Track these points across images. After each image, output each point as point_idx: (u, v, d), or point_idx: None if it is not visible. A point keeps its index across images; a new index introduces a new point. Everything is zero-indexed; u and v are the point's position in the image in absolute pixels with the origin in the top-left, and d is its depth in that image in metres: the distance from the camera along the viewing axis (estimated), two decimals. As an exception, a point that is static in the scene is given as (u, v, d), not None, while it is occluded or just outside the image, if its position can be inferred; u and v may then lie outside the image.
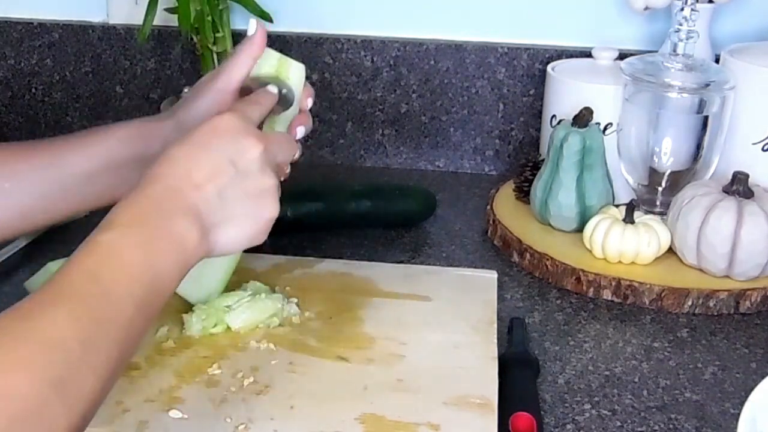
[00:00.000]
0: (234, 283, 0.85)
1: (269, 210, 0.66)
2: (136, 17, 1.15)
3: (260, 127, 0.71)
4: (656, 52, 1.08)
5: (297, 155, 0.75)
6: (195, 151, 0.63)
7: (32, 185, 0.72)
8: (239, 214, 0.64)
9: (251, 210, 0.65)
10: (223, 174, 0.63)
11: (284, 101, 0.77)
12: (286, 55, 0.80)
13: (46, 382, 0.48)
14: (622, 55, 1.07)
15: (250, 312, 0.81)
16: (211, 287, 0.82)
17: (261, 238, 0.67)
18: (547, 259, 0.95)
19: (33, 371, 0.48)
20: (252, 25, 0.77)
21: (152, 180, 0.61)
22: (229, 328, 0.81)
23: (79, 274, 0.54)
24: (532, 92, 1.19)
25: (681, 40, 0.97)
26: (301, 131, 0.78)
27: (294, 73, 0.79)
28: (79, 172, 0.74)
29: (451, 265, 0.97)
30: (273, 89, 0.74)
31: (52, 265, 0.86)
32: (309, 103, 0.80)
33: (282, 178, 0.73)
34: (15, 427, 0.45)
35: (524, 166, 1.08)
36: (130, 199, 0.60)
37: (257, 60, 0.77)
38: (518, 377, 0.77)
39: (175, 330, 0.81)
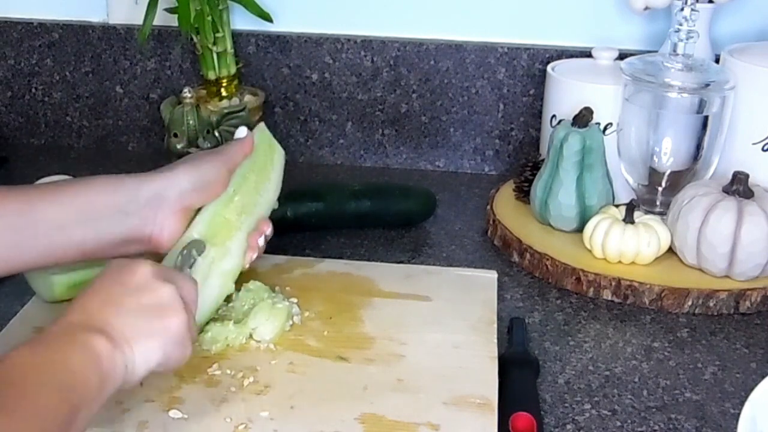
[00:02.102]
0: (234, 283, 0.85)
1: (175, 318, 0.66)
2: (136, 17, 1.15)
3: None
4: (656, 52, 1.08)
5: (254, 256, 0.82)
6: (92, 287, 0.65)
7: (1, 232, 0.71)
8: (146, 327, 0.64)
9: (155, 321, 0.65)
10: (115, 295, 0.64)
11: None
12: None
13: None
14: (622, 55, 1.07)
15: (277, 322, 0.81)
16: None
17: (181, 349, 0.66)
18: (547, 259, 0.95)
19: None
20: (241, 131, 0.85)
21: (56, 320, 0.62)
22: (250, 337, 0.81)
23: None
24: (532, 92, 1.19)
25: (681, 40, 0.97)
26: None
27: (278, 160, 0.87)
28: (51, 222, 0.72)
29: (451, 265, 0.97)
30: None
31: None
32: (265, 228, 0.84)
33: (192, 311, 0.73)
34: None
35: (524, 166, 1.08)
36: (38, 336, 0.61)
37: (248, 155, 0.84)
38: (518, 377, 0.77)
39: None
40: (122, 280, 0.65)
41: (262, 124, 0.88)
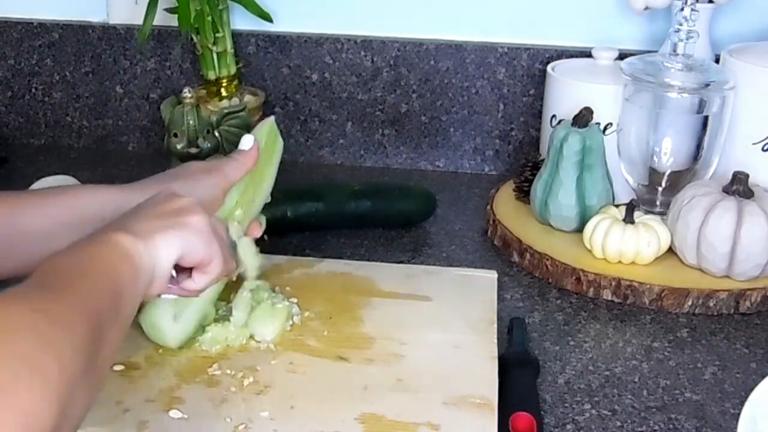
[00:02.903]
0: (234, 283, 0.85)
1: (194, 216, 0.67)
2: (136, 17, 1.15)
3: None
4: (656, 52, 1.08)
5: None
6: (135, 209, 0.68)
7: None
8: (164, 223, 0.65)
9: (173, 218, 0.66)
10: (136, 209, 0.67)
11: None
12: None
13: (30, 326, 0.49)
14: (622, 55, 1.07)
15: (278, 322, 0.81)
16: (187, 330, 0.79)
17: (207, 246, 0.68)
18: (547, 259, 0.95)
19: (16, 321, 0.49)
20: (248, 141, 0.82)
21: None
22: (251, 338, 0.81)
23: (34, 276, 0.55)
24: (532, 92, 1.19)
25: (681, 40, 0.97)
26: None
27: (277, 154, 0.87)
28: (35, 230, 0.73)
29: (451, 265, 0.97)
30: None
31: None
32: (255, 233, 0.85)
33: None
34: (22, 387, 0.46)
35: (524, 166, 1.08)
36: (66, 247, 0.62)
37: (250, 170, 0.82)
38: (518, 377, 0.77)
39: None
40: (146, 201, 0.68)
41: (272, 119, 0.88)
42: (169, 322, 0.77)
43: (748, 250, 0.89)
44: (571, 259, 0.95)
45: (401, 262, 0.99)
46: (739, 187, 0.91)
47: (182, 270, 0.68)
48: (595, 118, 0.99)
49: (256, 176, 0.84)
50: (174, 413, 0.70)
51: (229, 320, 0.80)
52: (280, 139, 0.87)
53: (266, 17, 1.17)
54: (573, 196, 0.98)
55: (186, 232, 0.66)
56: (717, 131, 0.99)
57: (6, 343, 0.47)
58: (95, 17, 1.26)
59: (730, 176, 0.93)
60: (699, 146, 1.00)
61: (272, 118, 0.88)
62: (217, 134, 1.07)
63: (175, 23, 1.13)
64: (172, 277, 0.67)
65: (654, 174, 1.02)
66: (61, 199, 0.75)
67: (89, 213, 0.74)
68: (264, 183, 0.85)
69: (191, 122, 1.07)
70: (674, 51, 0.98)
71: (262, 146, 0.83)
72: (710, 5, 1.06)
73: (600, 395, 0.78)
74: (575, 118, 0.99)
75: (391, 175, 1.23)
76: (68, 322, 0.51)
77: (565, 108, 1.04)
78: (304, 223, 1.03)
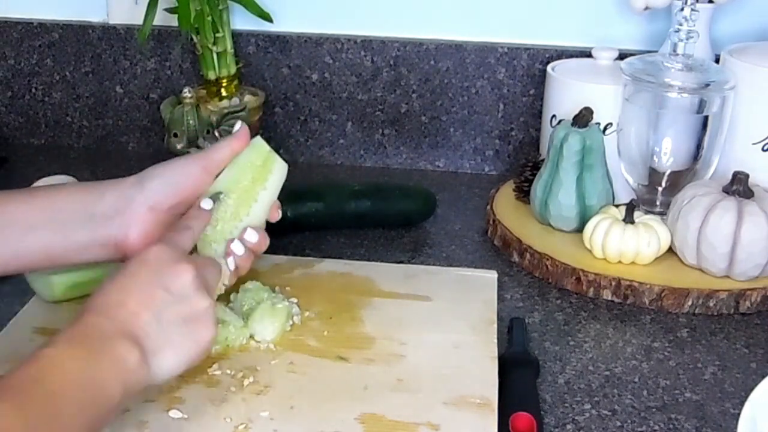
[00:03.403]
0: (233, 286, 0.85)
1: (207, 332, 0.67)
2: (136, 17, 1.15)
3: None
4: (656, 52, 1.08)
5: (227, 281, 0.76)
6: (127, 281, 0.65)
7: None
8: (177, 338, 0.65)
9: (189, 333, 0.66)
10: (157, 300, 0.64)
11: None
12: (273, 149, 0.81)
13: None
14: (622, 55, 1.07)
15: (277, 322, 0.81)
16: None
17: (201, 358, 0.68)
18: (547, 259, 0.95)
19: None
20: (237, 125, 0.79)
21: (88, 311, 0.62)
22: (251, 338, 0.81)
23: (24, 379, 0.55)
24: (532, 92, 1.19)
25: (681, 40, 0.97)
26: (251, 235, 0.78)
27: (277, 168, 0.80)
28: (20, 224, 0.72)
29: (451, 265, 0.97)
30: (206, 205, 0.75)
31: None
32: (276, 215, 0.81)
33: (232, 267, 0.76)
34: None
35: (524, 166, 1.08)
36: (69, 328, 0.61)
37: (238, 152, 0.78)
38: (518, 377, 0.77)
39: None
40: (164, 282, 0.65)
41: (257, 138, 0.81)
42: None
43: (748, 250, 0.89)
44: (571, 259, 0.95)
45: (401, 262, 0.99)
46: (739, 187, 0.91)
47: None
48: (595, 118, 0.99)
49: (246, 193, 0.78)
50: (174, 413, 0.70)
51: (229, 320, 0.80)
52: (281, 163, 0.80)
53: (266, 17, 1.17)
54: (573, 196, 0.98)
55: (193, 354, 0.66)
56: (717, 131, 0.99)
57: None
58: (95, 17, 1.26)
59: (730, 176, 0.93)
60: (699, 146, 1.00)
61: (258, 138, 0.81)
62: (217, 134, 1.07)
63: (175, 23, 1.13)
64: None
65: (654, 174, 1.02)
66: (44, 194, 0.75)
67: (70, 207, 0.74)
68: (254, 203, 0.78)
69: (191, 122, 1.07)
70: (674, 51, 0.98)
71: (251, 162, 0.78)
72: (710, 5, 1.06)
73: (600, 395, 0.78)
74: (575, 118, 0.99)
75: (391, 175, 1.23)
76: None
77: (565, 108, 1.04)
78: (304, 223, 1.03)
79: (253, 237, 0.77)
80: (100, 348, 0.60)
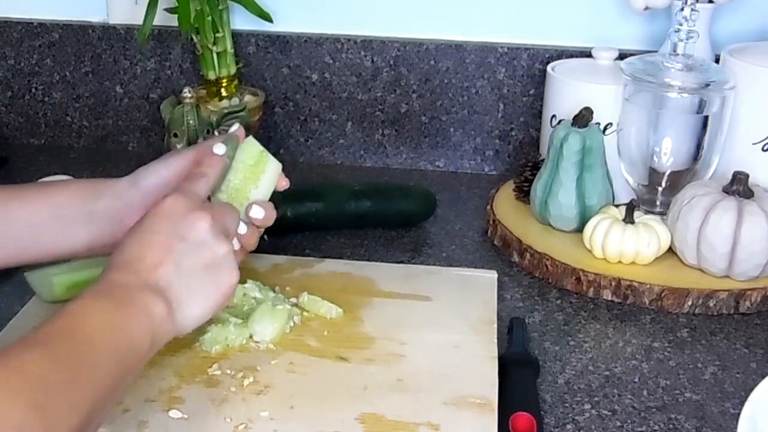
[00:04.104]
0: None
1: (229, 276, 0.68)
2: (136, 17, 1.15)
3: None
4: (656, 52, 1.08)
5: (244, 230, 0.75)
6: (144, 236, 0.65)
7: None
8: (200, 285, 0.66)
9: (211, 280, 0.66)
10: (175, 250, 0.65)
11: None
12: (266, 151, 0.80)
13: (26, 404, 0.49)
14: (622, 55, 1.07)
15: (277, 323, 0.81)
16: None
17: (226, 303, 0.69)
18: (547, 259, 0.95)
19: (13, 394, 0.49)
20: (234, 126, 0.79)
21: (110, 269, 0.63)
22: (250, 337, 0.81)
23: (54, 331, 0.56)
24: (532, 92, 1.19)
25: (681, 40, 0.97)
26: (258, 212, 0.77)
27: (270, 168, 0.79)
28: (23, 223, 0.73)
29: (451, 265, 0.97)
30: (219, 150, 0.74)
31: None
32: (284, 184, 0.80)
33: (237, 247, 0.74)
34: None
35: (524, 166, 1.08)
36: (93, 286, 0.62)
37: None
38: (518, 377, 0.77)
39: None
40: (181, 232, 0.65)
41: (250, 138, 0.80)
42: None
43: (748, 250, 0.89)
44: (571, 259, 0.95)
45: (401, 262, 0.99)
46: (739, 187, 0.91)
47: None
48: (595, 118, 0.99)
49: (237, 192, 0.77)
50: (174, 413, 0.70)
51: (229, 321, 0.80)
52: (274, 162, 0.80)
53: (266, 17, 1.17)
54: (573, 196, 0.98)
55: (218, 299, 0.67)
56: (717, 131, 0.99)
57: None
58: (95, 17, 1.26)
59: (730, 176, 0.93)
60: (699, 146, 1.00)
61: (250, 137, 0.80)
62: (217, 134, 1.07)
63: (175, 23, 1.13)
64: None
65: (654, 174, 1.02)
66: (48, 191, 0.75)
67: (71, 206, 0.74)
68: (245, 202, 0.77)
69: (191, 122, 1.07)
70: (674, 51, 0.98)
71: (243, 162, 0.78)
72: (710, 5, 1.06)
73: (600, 395, 0.78)
74: (575, 118, 0.99)
75: (391, 175, 1.23)
76: (64, 422, 0.51)
77: (565, 108, 1.04)
78: (304, 223, 1.03)
79: (242, 229, 0.76)
80: (126, 300, 0.60)
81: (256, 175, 0.78)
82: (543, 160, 1.04)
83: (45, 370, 0.52)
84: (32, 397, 0.49)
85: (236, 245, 0.75)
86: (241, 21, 1.20)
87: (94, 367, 0.55)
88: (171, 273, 0.64)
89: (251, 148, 0.79)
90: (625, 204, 0.97)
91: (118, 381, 0.57)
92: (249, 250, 0.77)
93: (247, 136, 0.80)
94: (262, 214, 0.76)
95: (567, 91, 1.06)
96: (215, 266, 0.66)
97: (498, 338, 0.82)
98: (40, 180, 0.95)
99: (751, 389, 0.64)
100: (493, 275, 0.92)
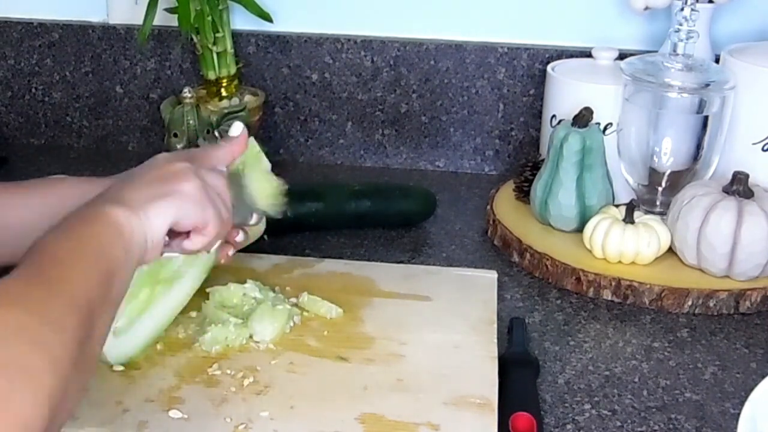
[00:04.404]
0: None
1: (187, 182, 0.68)
2: (136, 17, 1.15)
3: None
4: (656, 52, 1.08)
5: (240, 238, 0.79)
6: (122, 176, 0.70)
7: None
8: (158, 191, 0.66)
9: (167, 185, 0.67)
10: (131, 176, 0.69)
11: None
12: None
13: (19, 308, 0.50)
14: (622, 55, 1.07)
15: (277, 323, 0.81)
16: (131, 346, 0.77)
17: (200, 210, 0.68)
18: (547, 259, 0.95)
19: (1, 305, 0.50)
20: (237, 128, 0.79)
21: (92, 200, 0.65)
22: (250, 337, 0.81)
23: (27, 261, 0.56)
24: (532, 92, 1.19)
25: (681, 40, 0.97)
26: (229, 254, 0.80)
27: (263, 169, 0.81)
28: (15, 222, 0.73)
29: (451, 265, 0.97)
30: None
31: None
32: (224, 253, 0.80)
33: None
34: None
35: (524, 166, 1.08)
36: (60, 221, 0.62)
37: (237, 157, 0.79)
38: (518, 377, 0.77)
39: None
40: (157, 170, 0.68)
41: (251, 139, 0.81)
42: (108, 337, 0.70)
43: (748, 250, 0.89)
44: (571, 259, 0.95)
45: (401, 262, 0.99)
46: (739, 187, 0.91)
47: (179, 234, 0.69)
48: (595, 118, 0.99)
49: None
50: (174, 413, 0.70)
51: (229, 321, 0.80)
52: (265, 161, 0.82)
53: (266, 17, 1.17)
54: (573, 196, 0.98)
55: (179, 200, 0.67)
56: (717, 131, 0.99)
57: None
58: (95, 17, 1.26)
59: (730, 176, 0.93)
60: (699, 146, 1.00)
61: (251, 139, 0.81)
62: (217, 134, 1.07)
63: (175, 23, 1.13)
64: (167, 239, 0.68)
65: (654, 174, 1.02)
66: (43, 191, 0.76)
67: (70, 205, 0.73)
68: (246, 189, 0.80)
69: (191, 122, 1.07)
70: (674, 51, 0.98)
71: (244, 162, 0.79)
72: (710, 5, 1.06)
73: (600, 395, 0.78)
74: (575, 118, 0.99)
75: (391, 175, 1.23)
76: (60, 321, 0.52)
77: (565, 108, 1.04)
78: (304, 223, 1.03)
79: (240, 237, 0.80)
80: (91, 217, 0.62)
81: (266, 189, 0.80)
82: (543, 160, 1.04)
83: (22, 288, 0.52)
84: (22, 307, 0.50)
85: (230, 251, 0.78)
86: (241, 21, 1.20)
87: (72, 280, 0.55)
88: (126, 187, 0.66)
89: (262, 163, 0.81)
90: (625, 204, 0.97)
91: (104, 281, 0.58)
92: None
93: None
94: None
95: (567, 91, 1.06)
96: (172, 175, 0.68)
97: (498, 338, 0.82)
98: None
99: (751, 389, 0.64)
100: (493, 275, 0.92)
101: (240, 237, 0.80)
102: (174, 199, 0.66)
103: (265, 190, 0.80)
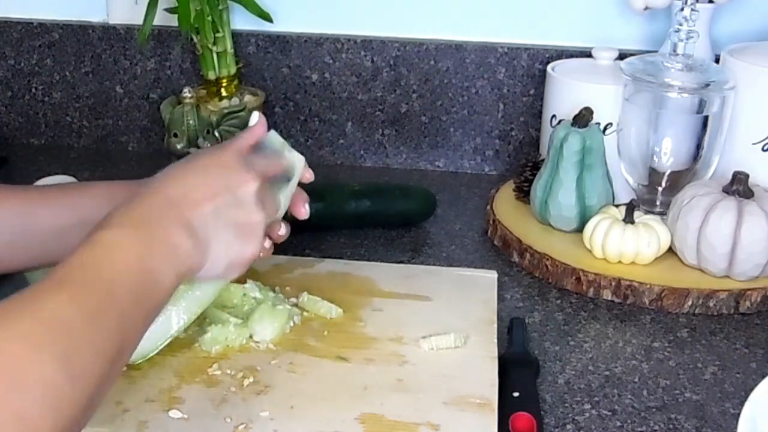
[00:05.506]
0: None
1: (252, 245, 0.69)
2: (136, 17, 1.15)
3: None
4: (656, 52, 1.08)
5: (282, 232, 0.77)
6: (195, 173, 0.66)
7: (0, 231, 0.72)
8: (229, 241, 0.66)
9: (239, 238, 0.67)
10: (220, 197, 0.66)
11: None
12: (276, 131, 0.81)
13: (49, 354, 0.48)
14: (622, 55, 1.07)
15: (277, 323, 0.81)
16: (147, 349, 0.77)
17: (238, 271, 0.69)
18: (547, 259, 0.95)
19: (35, 343, 0.48)
20: (254, 117, 0.79)
21: (151, 192, 0.63)
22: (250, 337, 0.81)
23: (80, 266, 0.55)
24: (532, 92, 1.19)
25: (681, 40, 0.97)
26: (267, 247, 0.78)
27: (294, 162, 0.81)
28: (48, 226, 0.73)
29: (451, 265, 0.97)
30: (281, 212, 0.76)
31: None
32: (304, 211, 0.82)
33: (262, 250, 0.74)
34: (17, 396, 0.46)
35: (524, 166, 1.08)
36: (128, 206, 0.62)
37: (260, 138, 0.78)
38: (518, 377, 0.77)
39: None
40: (231, 184, 0.67)
41: (272, 132, 0.82)
42: None
43: (748, 250, 0.89)
44: (571, 259, 0.95)
45: (401, 262, 0.99)
46: (739, 187, 0.91)
47: None
48: (595, 118, 0.99)
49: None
50: (174, 413, 0.70)
51: (229, 321, 0.80)
52: (297, 155, 0.82)
53: (266, 17, 1.17)
54: (573, 196, 0.98)
55: (236, 260, 0.68)
56: (717, 131, 0.99)
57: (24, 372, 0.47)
58: (95, 17, 1.26)
59: (730, 176, 0.93)
60: (699, 146, 1.00)
61: (272, 131, 0.81)
62: (217, 134, 1.07)
63: (175, 23, 1.13)
64: None
65: (654, 174, 1.02)
66: (72, 195, 0.76)
67: (98, 210, 0.73)
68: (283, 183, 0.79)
69: (191, 122, 1.07)
70: (674, 51, 0.98)
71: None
72: (710, 5, 1.06)
73: (600, 395, 0.78)
74: (575, 118, 0.99)
75: (391, 175, 1.23)
76: (88, 370, 0.51)
77: (565, 108, 1.04)
78: (304, 223, 1.03)
79: (282, 230, 0.78)
80: (156, 233, 0.60)
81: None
82: (543, 160, 1.04)
83: (69, 315, 0.51)
84: (56, 348, 0.49)
85: (267, 243, 0.76)
86: (241, 21, 1.20)
87: (118, 307, 0.55)
88: (208, 216, 0.64)
89: (274, 141, 0.80)
90: (625, 204, 0.97)
91: (140, 323, 0.57)
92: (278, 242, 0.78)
93: None
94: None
95: (567, 91, 1.06)
96: (246, 228, 0.67)
97: (498, 338, 0.82)
98: (40, 179, 0.95)
99: (751, 389, 0.64)
100: (493, 275, 0.92)
101: (283, 230, 0.78)
102: (235, 260, 0.67)
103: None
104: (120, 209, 0.61)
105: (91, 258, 0.56)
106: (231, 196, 0.66)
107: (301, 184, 0.83)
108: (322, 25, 1.22)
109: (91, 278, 0.54)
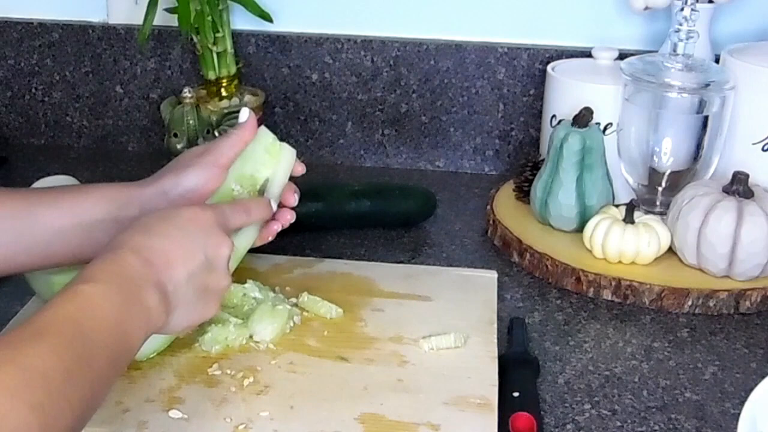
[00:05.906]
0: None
1: (212, 309, 0.69)
2: (136, 17, 1.15)
3: None
4: (656, 52, 1.08)
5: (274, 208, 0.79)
6: (173, 231, 0.66)
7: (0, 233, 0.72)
8: (194, 303, 0.66)
9: (202, 302, 0.67)
10: (194, 261, 0.66)
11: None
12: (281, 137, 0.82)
13: (26, 404, 0.49)
14: (622, 55, 1.07)
15: (277, 323, 0.81)
16: (155, 345, 0.78)
17: (190, 329, 0.70)
18: (547, 259, 0.95)
19: (13, 394, 0.49)
20: (244, 113, 0.79)
21: (128, 247, 0.63)
22: (250, 337, 0.81)
23: (61, 317, 0.56)
24: (532, 92, 1.19)
25: (681, 40, 0.97)
26: (275, 229, 0.81)
27: (285, 156, 0.81)
28: (49, 228, 0.73)
29: (451, 265, 0.97)
30: (273, 205, 0.77)
31: None
32: (293, 200, 0.82)
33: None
34: None
35: (524, 166, 1.08)
36: (109, 259, 0.62)
37: (249, 142, 0.79)
38: (518, 377, 0.77)
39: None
40: (207, 247, 0.67)
41: (262, 128, 0.82)
42: None
43: (748, 250, 0.89)
44: (571, 259, 0.95)
45: (401, 262, 0.99)
46: (739, 187, 0.91)
47: None
48: (595, 118, 0.99)
49: (247, 178, 0.80)
50: (174, 413, 0.71)
51: (229, 321, 0.80)
52: (288, 149, 0.82)
53: (266, 17, 1.17)
54: (573, 196, 0.98)
55: (195, 321, 0.68)
56: (717, 131, 0.99)
57: None
58: (95, 17, 1.26)
59: (730, 176, 0.93)
60: (699, 146, 1.00)
61: (263, 127, 0.82)
62: (217, 134, 1.07)
63: (175, 23, 1.13)
64: None
65: (654, 174, 1.02)
66: (72, 196, 0.76)
67: (98, 211, 0.74)
68: (252, 188, 0.80)
69: (191, 122, 1.07)
70: (674, 51, 0.98)
71: (256, 150, 0.80)
72: (710, 5, 1.06)
73: (600, 395, 0.78)
74: (575, 118, 0.99)
75: (391, 175, 1.23)
76: (60, 422, 0.51)
77: (565, 108, 1.04)
78: (304, 223, 1.03)
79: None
80: (133, 293, 0.60)
81: (269, 164, 0.79)
82: (543, 160, 1.04)
83: (47, 365, 0.51)
84: (32, 398, 0.49)
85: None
86: (241, 21, 1.20)
87: (94, 364, 0.55)
88: (181, 280, 0.64)
89: (264, 137, 0.80)
90: (625, 204, 0.97)
91: (110, 381, 0.57)
92: (285, 226, 0.81)
93: None
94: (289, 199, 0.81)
95: (567, 91, 1.06)
96: (212, 293, 0.68)
97: (498, 338, 0.82)
98: (40, 179, 0.95)
99: (751, 389, 0.64)
100: (493, 275, 0.92)
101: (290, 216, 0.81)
102: (194, 322, 0.68)
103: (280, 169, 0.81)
104: (100, 261, 0.61)
105: (72, 311, 0.56)
106: (205, 260, 0.66)
107: (300, 184, 0.83)
108: (322, 25, 1.22)
109: (72, 333, 0.55)
